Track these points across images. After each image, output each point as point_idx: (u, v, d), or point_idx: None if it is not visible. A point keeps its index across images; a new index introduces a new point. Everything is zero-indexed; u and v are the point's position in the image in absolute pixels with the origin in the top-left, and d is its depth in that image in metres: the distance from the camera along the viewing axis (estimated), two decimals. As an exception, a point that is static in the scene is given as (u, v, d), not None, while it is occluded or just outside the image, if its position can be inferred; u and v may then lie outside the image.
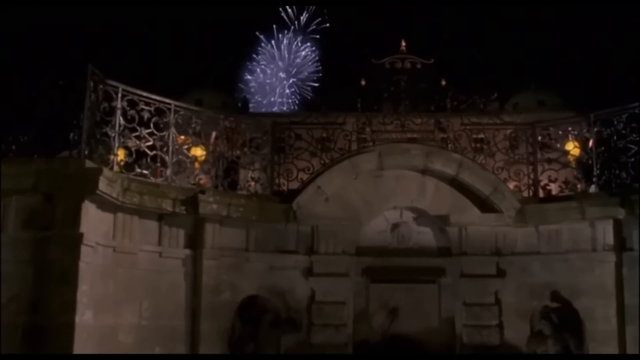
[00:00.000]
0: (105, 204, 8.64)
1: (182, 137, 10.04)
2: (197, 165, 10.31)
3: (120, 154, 9.37)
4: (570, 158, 11.01)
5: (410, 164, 10.53)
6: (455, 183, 10.56)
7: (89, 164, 8.34)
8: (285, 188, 10.70)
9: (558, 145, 10.99)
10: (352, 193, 10.55)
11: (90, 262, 8.31)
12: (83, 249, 8.16)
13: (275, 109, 58.53)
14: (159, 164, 9.67)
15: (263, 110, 57.30)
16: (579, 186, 10.88)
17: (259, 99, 61.13)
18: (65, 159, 8.52)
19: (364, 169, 10.53)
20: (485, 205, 10.45)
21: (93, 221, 8.43)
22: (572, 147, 10.95)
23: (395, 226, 10.86)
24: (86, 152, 8.53)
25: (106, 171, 8.40)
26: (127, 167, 9.28)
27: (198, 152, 10.40)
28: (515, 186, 10.87)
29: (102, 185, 8.24)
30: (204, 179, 10.52)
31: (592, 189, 10.48)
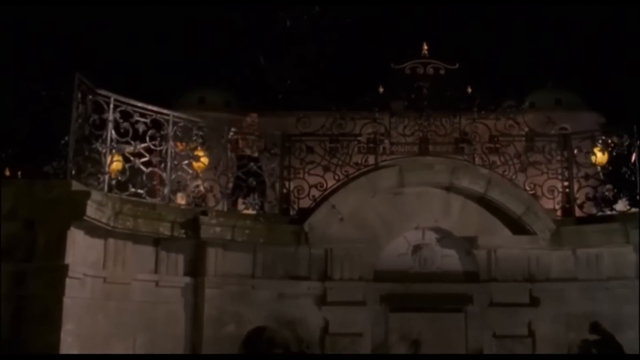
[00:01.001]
0: (94, 230, 7.83)
1: (181, 145, 9.14)
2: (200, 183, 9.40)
3: (114, 167, 8.47)
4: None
5: (434, 180, 9.74)
6: (483, 201, 9.76)
7: (75, 185, 7.52)
8: (295, 206, 9.84)
9: (593, 159, 10.11)
10: (369, 212, 9.74)
11: (76, 296, 7.52)
12: (68, 282, 7.37)
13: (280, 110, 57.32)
14: (155, 182, 8.77)
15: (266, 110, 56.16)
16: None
17: (261, 99, 59.92)
18: (48, 180, 7.72)
19: (382, 185, 9.74)
20: (516, 226, 9.66)
21: (80, 249, 7.62)
22: (604, 160, 10.06)
23: (417, 248, 10.02)
24: (72, 172, 7.75)
25: (95, 194, 7.52)
26: (120, 186, 8.36)
27: (200, 167, 9.49)
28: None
29: (91, 210, 7.42)
30: (203, 190, 9.64)
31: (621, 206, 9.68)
